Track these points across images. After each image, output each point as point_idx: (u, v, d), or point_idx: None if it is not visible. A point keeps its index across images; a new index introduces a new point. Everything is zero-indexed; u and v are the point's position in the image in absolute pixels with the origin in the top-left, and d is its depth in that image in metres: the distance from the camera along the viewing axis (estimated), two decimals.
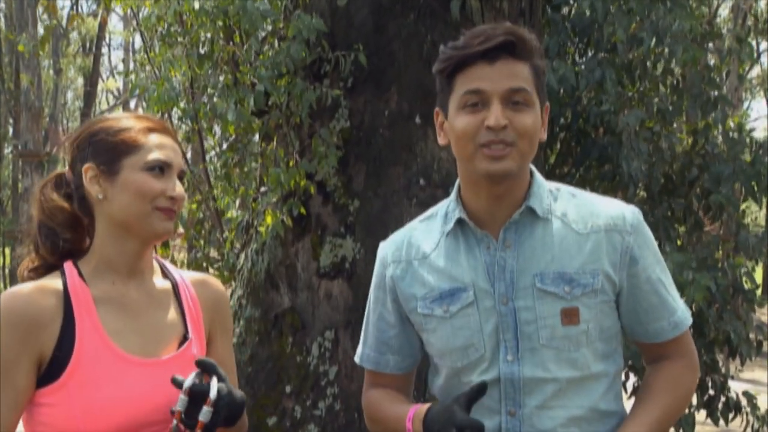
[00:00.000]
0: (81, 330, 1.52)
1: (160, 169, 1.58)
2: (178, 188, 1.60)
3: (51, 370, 1.50)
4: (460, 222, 1.62)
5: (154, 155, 1.58)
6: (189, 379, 1.50)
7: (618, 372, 1.64)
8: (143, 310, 1.61)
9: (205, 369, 1.52)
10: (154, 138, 1.61)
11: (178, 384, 1.50)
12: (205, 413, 1.48)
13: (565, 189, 1.66)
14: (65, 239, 1.61)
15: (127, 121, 1.62)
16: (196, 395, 1.49)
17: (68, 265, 1.59)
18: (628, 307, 1.59)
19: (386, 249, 1.74)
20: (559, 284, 1.53)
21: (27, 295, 1.51)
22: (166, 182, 1.58)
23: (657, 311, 1.59)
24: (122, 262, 1.60)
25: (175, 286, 1.69)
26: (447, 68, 1.55)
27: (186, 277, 1.73)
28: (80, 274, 1.58)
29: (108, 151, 1.59)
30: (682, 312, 1.63)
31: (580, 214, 1.59)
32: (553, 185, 1.66)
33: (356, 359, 1.83)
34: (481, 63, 1.51)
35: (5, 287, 15.31)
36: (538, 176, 1.64)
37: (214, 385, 1.50)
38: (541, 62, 1.56)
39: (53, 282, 1.55)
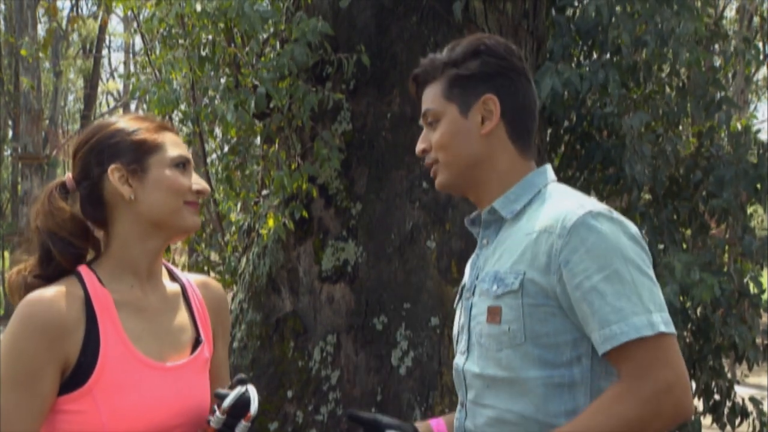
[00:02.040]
0: (105, 335, 1.51)
1: (183, 165, 1.61)
2: (202, 182, 1.64)
3: (75, 376, 1.49)
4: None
5: (177, 152, 1.62)
6: (229, 399, 1.50)
7: (575, 386, 1.51)
8: (159, 314, 1.61)
9: (243, 385, 1.54)
10: (169, 136, 1.64)
11: (220, 399, 1.51)
12: (242, 428, 1.49)
13: (553, 190, 1.63)
14: (82, 247, 1.61)
15: (138, 122, 1.64)
16: (236, 411, 1.50)
17: (84, 270, 1.58)
18: (572, 316, 1.50)
19: None
20: (492, 283, 1.56)
21: (51, 301, 1.49)
22: (190, 177, 1.62)
23: (588, 322, 1.45)
24: (144, 263, 1.61)
25: (183, 289, 1.69)
26: None
27: (190, 279, 1.74)
28: (98, 278, 1.57)
29: (133, 150, 1.59)
30: (624, 326, 1.42)
31: (537, 216, 1.57)
32: (549, 188, 1.64)
33: None
34: None
35: (4, 291, 15.29)
36: (533, 178, 1.65)
37: (255, 399, 1.50)
38: (457, 69, 1.65)
39: (73, 287, 1.54)
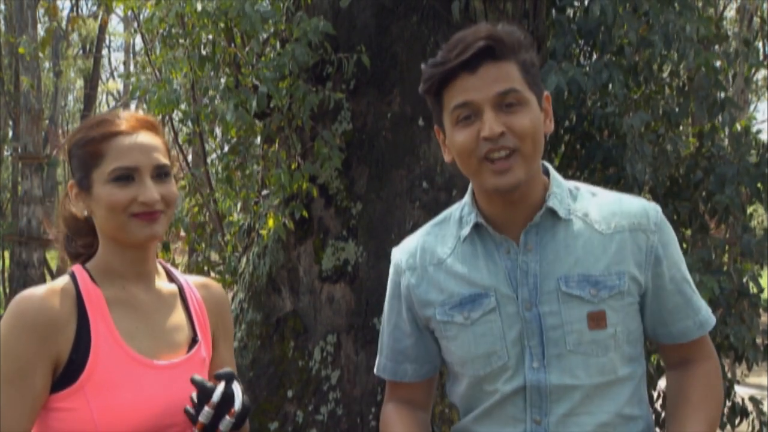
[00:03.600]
0: (96, 332, 1.51)
1: (126, 177, 1.53)
2: (150, 192, 1.53)
3: (66, 373, 1.49)
4: (477, 226, 1.58)
5: (116, 164, 1.53)
6: (216, 394, 1.49)
7: (642, 375, 1.59)
8: (153, 313, 1.61)
9: (228, 380, 1.52)
10: (118, 143, 1.54)
11: (206, 393, 1.49)
12: (226, 423, 1.49)
13: (584, 188, 1.63)
14: (78, 245, 1.64)
15: (92, 129, 1.57)
16: (221, 407, 1.49)
17: (77, 268, 1.59)
18: (653, 308, 1.56)
19: (400, 256, 1.68)
20: (585, 287, 1.48)
21: (43, 297, 1.50)
22: (137, 188, 1.53)
23: (682, 311, 1.57)
24: (126, 268, 1.60)
25: (181, 290, 1.69)
26: (431, 87, 1.52)
27: (190, 280, 1.73)
28: (90, 277, 1.57)
29: (81, 167, 1.58)
30: (706, 311, 1.61)
31: (603, 213, 1.55)
32: (572, 184, 1.63)
33: (375, 370, 1.78)
34: (463, 74, 1.47)
35: (4, 291, 15.27)
36: (557, 176, 1.61)
37: (239, 396, 1.50)
38: (528, 55, 1.50)
39: (65, 284, 1.54)
